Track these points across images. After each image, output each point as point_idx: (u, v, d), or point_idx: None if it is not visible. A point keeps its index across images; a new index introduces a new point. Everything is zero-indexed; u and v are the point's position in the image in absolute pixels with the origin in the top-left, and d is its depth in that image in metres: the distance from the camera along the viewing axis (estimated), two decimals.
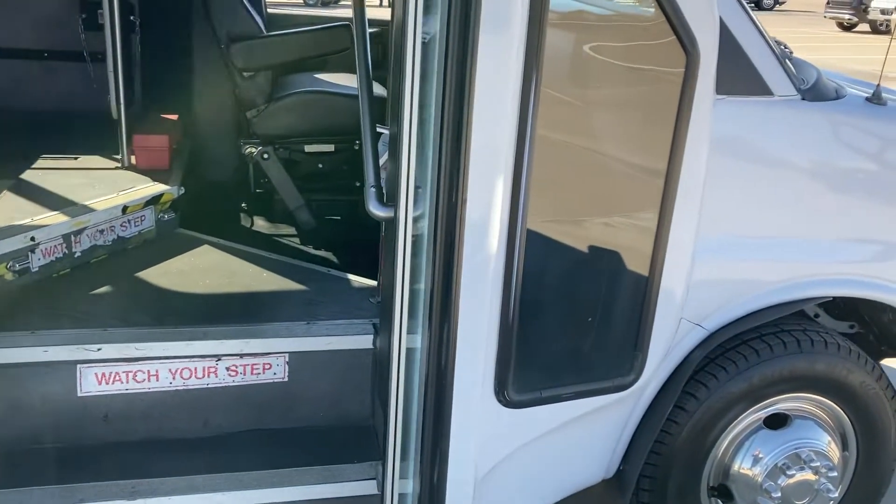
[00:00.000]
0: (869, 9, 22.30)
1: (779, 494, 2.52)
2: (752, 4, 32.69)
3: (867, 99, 2.44)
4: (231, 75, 3.41)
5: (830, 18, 24.23)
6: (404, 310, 1.97)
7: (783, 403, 2.56)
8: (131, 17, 3.76)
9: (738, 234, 2.33)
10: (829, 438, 2.61)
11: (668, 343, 2.32)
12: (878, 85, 2.44)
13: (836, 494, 2.61)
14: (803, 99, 2.31)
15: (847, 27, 23.91)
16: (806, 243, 2.39)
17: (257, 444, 2.40)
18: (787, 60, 2.42)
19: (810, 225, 2.38)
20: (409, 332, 2.00)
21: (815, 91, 2.37)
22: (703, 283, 2.32)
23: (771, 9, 33.30)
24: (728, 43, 2.19)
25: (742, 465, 2.54)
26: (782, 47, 2.60)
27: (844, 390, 2.55)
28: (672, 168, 2.12)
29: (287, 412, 2.45)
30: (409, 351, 2.03)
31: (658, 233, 2.17)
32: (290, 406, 2.44)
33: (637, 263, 2.21)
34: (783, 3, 34.04)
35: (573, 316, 2.22)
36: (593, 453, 2.43)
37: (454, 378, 1.97)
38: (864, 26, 23.16)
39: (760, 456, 2.53)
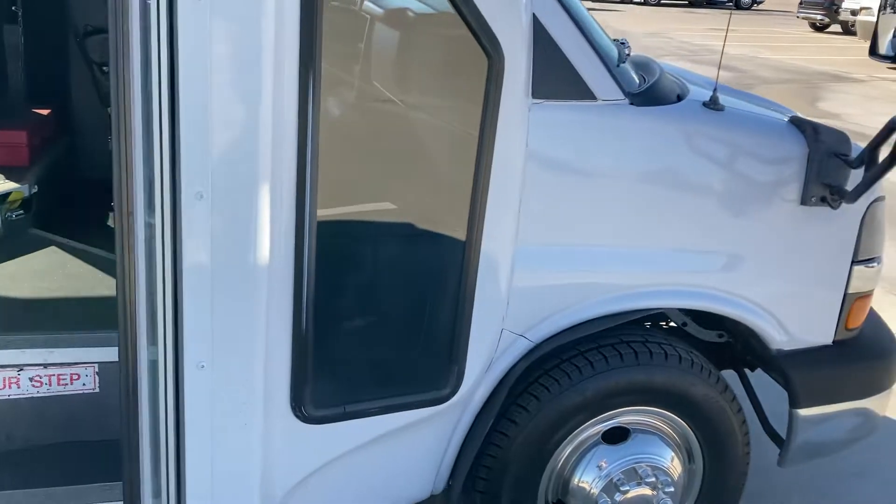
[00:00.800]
0: (840, 10, 22.31)
1: None
2: (732, 3, 32.73)
3: (704, 104, 2.35)
4: (91, 69, 3.30)
5: (803, 18, 24.26)
6: (138, 319, 1.83)
7: (624, 417, 2.48)
8: (13, 7, 3.64)
9: (562, 243, 2.24)
10: (673, 453, 2.53)
11: (489, 355, 2.24)
12: (715, 90, 2.36)
13: None
14: (632, 103, 2.23)
15: (819, 28, 23.93)
16: (635, 253, 2.30)
17: (65, 459, 2.29)
18: (621, 62, 2.34)
19: (640, 235, 2.29)
20: (150, 344, 1.87)
21: (647, 95, 2.28)
22: (526, 293, 2.23)
23: (749, 8, 33.34)
24: (546, 45, 2.10)
25: (580, 480, 2.46)
26: (620, 43, 2.51)
27: (687, 403, 2.47)
28: (480, 175, 2.03)
29: (99, 425, 2.34)
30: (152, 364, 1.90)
31: (469, 242, 2.08)
32: (102, 418, 2.34)
33: (449, 273, 2.12)
34: (761, 2, 34.06)
35: (380, 327, 2.14)
36: (416, 468, 2.34)
37: (185, 393, 1.86)
38: (837, 27, 23.20)
39: (598, 471, 2.46)
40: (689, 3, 32.51)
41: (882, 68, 15.81)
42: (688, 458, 2.58)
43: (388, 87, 2.04)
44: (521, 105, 2.05)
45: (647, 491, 2.46)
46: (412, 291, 2.14)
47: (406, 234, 2.11)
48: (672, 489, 2.47)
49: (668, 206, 2.29)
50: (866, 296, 2.64)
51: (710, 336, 2.77)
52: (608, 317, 2.33)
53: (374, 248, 2.10)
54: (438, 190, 2.11)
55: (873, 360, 2.71)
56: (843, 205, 2.43)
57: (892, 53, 14.50)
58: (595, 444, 2.47)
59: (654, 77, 2.46)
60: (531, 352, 2.29)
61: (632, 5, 30.61)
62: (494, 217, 2.09)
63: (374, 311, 2.13)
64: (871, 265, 2.59)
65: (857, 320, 2.65)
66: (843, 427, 2.69)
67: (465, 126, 2.02)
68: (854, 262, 2.54)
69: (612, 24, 23.91)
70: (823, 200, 2.40)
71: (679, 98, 2.39)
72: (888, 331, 2.86)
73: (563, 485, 2.49)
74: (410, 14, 2.14)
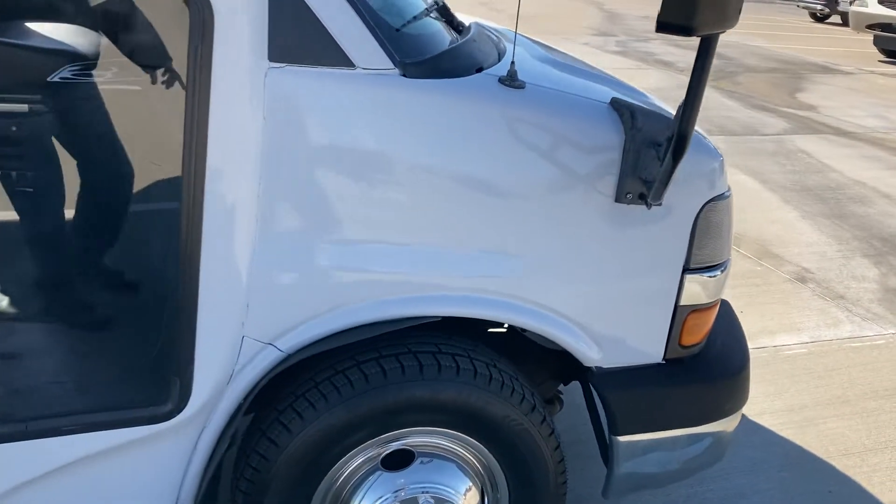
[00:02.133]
0: (840, 0, 21.79)
1: None
2: None
3: (500, 79, 1.99)
4: None
5: (803, 8, 23.74)
6: None
7: (412, 438, 2.15)
8: None
9: (312, 237, 1.89)
10: (470, 482, 2.20)
11: (228, 366, 1.90)
12: (512, 63, 2.01)
13: None
14: (403, 74, 1.88)
15: (819, 18, 23.40)
16: (406, 252, 1.96)
17: None
18: (409, 23, 1.99)
19: (411, 231, 1.94)
20: None
21: (429, 65, 1.93)
22: (272, 295, 1.90)
23: None
24: (292, 0, 1.75)
25: None
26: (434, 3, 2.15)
27: (483, 425, 2.14)
28: (191, 151, 1.69)
29: None
30: None
31: (188, 234, 1.75)
32: None
33: (162, 273, 1.79)
34: None
35: (77, 332, 1.80)
36: (148, 491, 2.01)
37: None
38: (836, 18, 22.67)
39: (376, 499, 2.13)
40: None
41: (872, 61, 15.37)
42: (490, 487, 2.26)
43: (80, 45, 1.70)
44: (246, 68, 1.70)
45: None
46: (117, 292, 1.81)
47: (111, 222, 1.77)
48: None
49: (448, 198, 1.94)
50: (706, 308, 2.29)
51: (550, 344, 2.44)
52: (376, 324, 1.99)
53: (67, 241, 1.76)
54: (144, 169, 1.76)
55: (715, 381, 2.36)
56: (671, 203, 2.10)
57: None
58: (374, 469, 2.15)
59: (455, 44, 2.10)
60: (284, 362, 1.96)
61: None
62: (218, 203, 1.75)
63: (69, 314, 1.80)
64: (709, 274, 2.24)
65: (695, 336, 2.31)
66: (676, 457, 2.35)
67: (173, 92, 1.68)
68: (686, 270, 2.19)
69: (608, 4, 23.54)
70: (642, 198, 2.06)
71: (478, 71, 2.04)
72: (742, 346, 2.52)
73: None
74: None
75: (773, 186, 6.84)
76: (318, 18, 1.78)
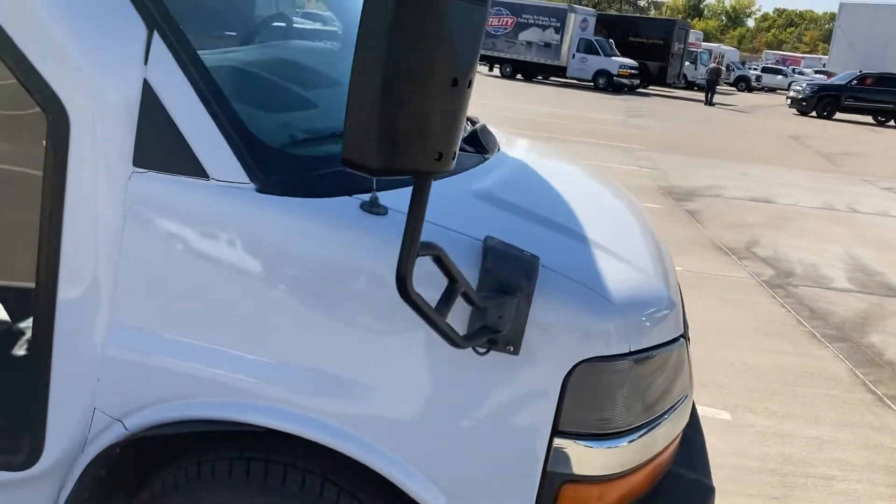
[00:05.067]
0: None
1: None
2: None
3: (361, 205, 2.00)
4: None
5: None
6: None
7: None
8: None
9: (158, 330, 2.02)
10: None
11: (80, 433, 2.08)
12: (374, 190, 2.00)
13: None
14: (259, 189, 1.97)
15: None
16: (243, 359, 2.00)
17: None
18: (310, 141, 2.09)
19: (245, 339, 1.99)
20: None
21: (293, 183, 2.00)
22: (120, 375, 2.05)
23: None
24: (157, 111, 1.95)
25: None
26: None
27: None
28: (47, 240, 1.93)
29: None
30: None
31: (43, 307, 1.98)
32: None
33: (22, 339, 2.03)
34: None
35: None
36: None
37: None
38: None
39: None
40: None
41: None
42: None
43: None
44: (107, 171, 1.92)
45: None
46: None
47: None
48: None
49: (282, 314, 1.97)
50: (599, 482, 2.03)
51: None
52: (215, 422, 2.05)
53: None
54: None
55: None
56: (535, 354, 1.93)
57: None
58: None
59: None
60: (131, 440, 2.09)
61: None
62: (72, 284, 1.96)
63: None
64: (597, 444, 1.99)
65: None
66: None
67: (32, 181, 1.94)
68: (559, 433, 1.98)
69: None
70: (491, 343, 1.92)
71: (347, 193, 2.04)
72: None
73: None
74: None
75: None
76: (178, 129, 1.95)
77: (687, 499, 2.31)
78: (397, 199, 2.02)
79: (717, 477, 2.57)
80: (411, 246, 1.52)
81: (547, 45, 40.88)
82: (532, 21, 41.66)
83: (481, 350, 1.91)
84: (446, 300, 1.70)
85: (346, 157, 1.45)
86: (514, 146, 3.23)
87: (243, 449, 2.11)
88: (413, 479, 2.00)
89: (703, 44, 62.72)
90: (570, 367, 1.95)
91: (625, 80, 38.77)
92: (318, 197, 2.00)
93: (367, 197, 2.02)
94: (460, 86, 1.46)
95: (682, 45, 44.72)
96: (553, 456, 1.98)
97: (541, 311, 1.93)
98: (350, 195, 2.03)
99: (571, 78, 40.10)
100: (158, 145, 1.96)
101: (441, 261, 1.67)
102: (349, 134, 1.45)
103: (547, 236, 2.24)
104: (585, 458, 2.00)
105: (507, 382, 1.96)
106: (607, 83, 38.67)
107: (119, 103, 1.92)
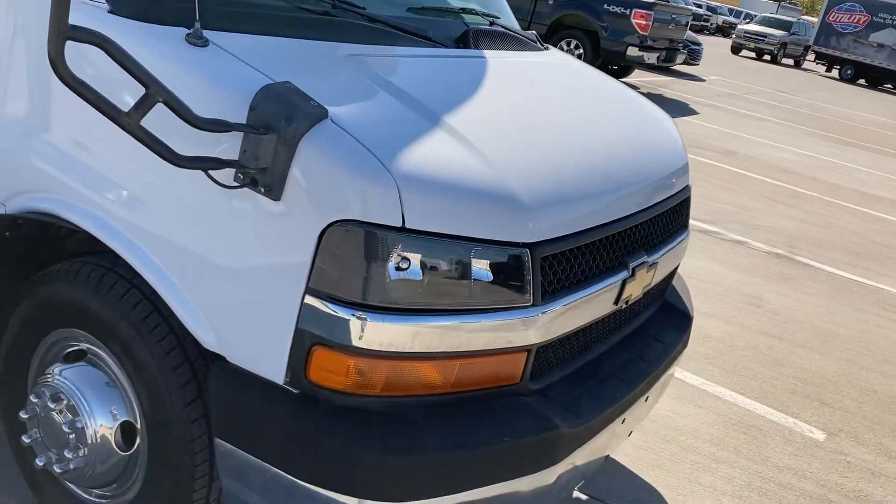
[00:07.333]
0: None
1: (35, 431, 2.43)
2: None
3: (187, 35, 2.06)
4: None
5: None
6: None
7: (86, 343, 2.38)
8: None
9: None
10: (112, 406, 2.29)
11: None
12: (197, 21, 2.04)
13: (74, 466, 2.33)
14: (111, 10, 2.13)
15: None
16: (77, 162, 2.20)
17: None
18: None
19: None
20: None
21: (139, 6, 2.12)
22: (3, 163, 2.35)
23: None
24: None
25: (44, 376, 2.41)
26: None
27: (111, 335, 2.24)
28: None
29: None
30: None
31: None
32: None
33: None
34: None
35: None
36: None
37: None
38: None
39: (47, 382, 2.39)
40: None
41: None
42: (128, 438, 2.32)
43: None
44: None
45: (57, 419, 2.33)
46: None
47: None
48: (74, 452, 2.31)
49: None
50: (340, 350, 1.93)
51: None
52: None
53: None
54: None
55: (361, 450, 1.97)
56: (296, 205, 1.91)
57: None
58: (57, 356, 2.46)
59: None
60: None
61: None
62: None
63: None
64: (336, 308, 1.91)
65: (326, 377, 1.97)
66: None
67: None
68: (310, 291, 1.93)
69: None
70: (254, 183, 1.93)
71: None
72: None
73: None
74: None
75: None
76: None
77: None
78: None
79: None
80: (57, 25, 1.57)
81: None
82: (890, 21, 37.32)
83: (233, 184, 1.92)
84: (137, 106, 1.73)
85: None
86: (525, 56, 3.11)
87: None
88: (180, 300, 2.08)
89: None
90: (326, 224, 1.89)
91: None
92: (158, 24, 2.12)
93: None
94: None
95: None
96: (304, 312, 1.94)
97: (308, 161, 1.90)
98: (188, 26, 2.09)
99: None
100: None
101: (112, 54, 1.69)
102: None
103: (390, 113, 2.15)
104: (337, 325, 1.92)
105: (271, 230, 1.96)
106: None
107: None
